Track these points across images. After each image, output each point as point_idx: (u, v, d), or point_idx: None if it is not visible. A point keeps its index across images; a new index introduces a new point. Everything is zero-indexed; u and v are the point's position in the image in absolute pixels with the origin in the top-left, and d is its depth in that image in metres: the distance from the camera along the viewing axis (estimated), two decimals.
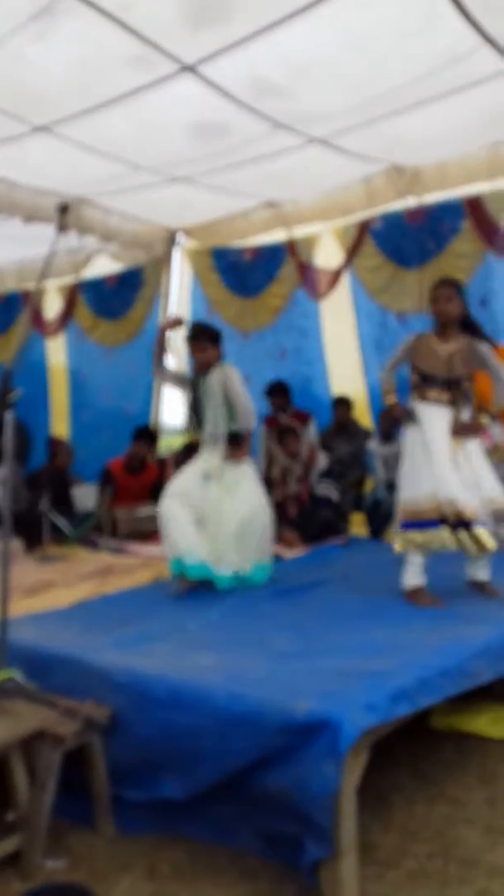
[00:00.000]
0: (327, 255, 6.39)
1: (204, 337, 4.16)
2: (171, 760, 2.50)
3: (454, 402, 3.61)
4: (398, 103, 4.34)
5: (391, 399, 3.75)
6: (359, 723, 2.21)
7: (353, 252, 6.18)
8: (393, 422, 3.79)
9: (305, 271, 6.48)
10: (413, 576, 3.55)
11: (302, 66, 3.97)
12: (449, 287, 3.69)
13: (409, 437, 3.67)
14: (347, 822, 2.17)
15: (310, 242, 6.44)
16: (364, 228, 6.09)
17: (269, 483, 6.35)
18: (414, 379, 3.70)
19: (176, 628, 3.25)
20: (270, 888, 2.24)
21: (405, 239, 5.89)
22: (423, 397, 3.63)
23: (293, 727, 2.24)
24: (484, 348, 3.66)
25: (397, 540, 3.59)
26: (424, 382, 3.65)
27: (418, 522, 3.52)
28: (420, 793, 2.74)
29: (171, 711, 2.49)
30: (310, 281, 6.48)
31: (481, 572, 3.63)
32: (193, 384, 4.22)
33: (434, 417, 3.60)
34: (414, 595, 3.54)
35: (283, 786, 2.25)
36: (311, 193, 5.94)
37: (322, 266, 6.42)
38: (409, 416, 3.66)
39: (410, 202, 5.73)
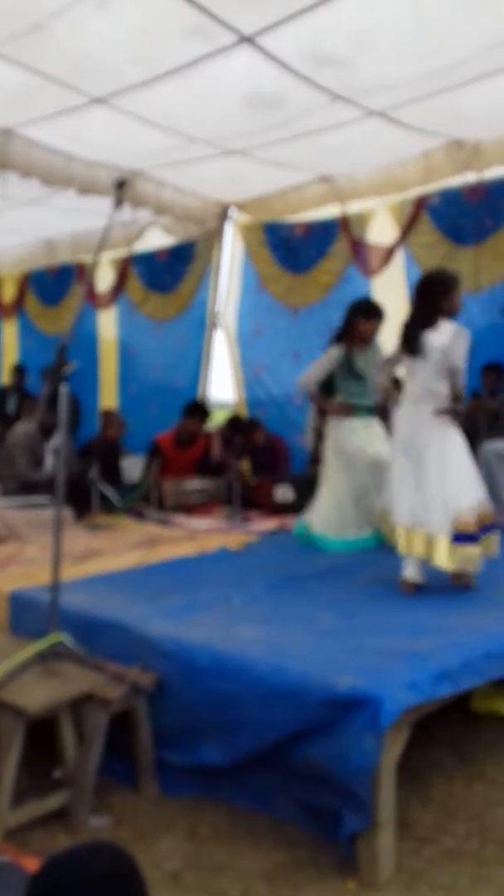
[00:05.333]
0: (381, 232, 6.29)
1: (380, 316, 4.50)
2: (213, 727, 2.55)
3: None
4: (462, 75, 4.22)
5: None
6: (401, 700, 2.23)
7: (408, 228, 6.08)
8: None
9: (358, 247, 6.40)
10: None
11: (364, 37, 3.90)
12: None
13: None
14: (386, 796, 2.20)
15: (364, 218, 6.35)
16: (420, 204, 5.97)
17: (316, 461, 6.36)
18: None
19: (221, 600, 3.30)
20: (308, 856, 2.29)
21: (463, 215, 5.76)
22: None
23: (334, 701, 2.27)
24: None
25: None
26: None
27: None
28: (459, 773, 2.76)
29: (214, 680, 2.55)
30: (362, 257, 6.39)
31: None
32: (350, 358, 4.46)
33: None
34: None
35: (323, 758, 2.29)
36: (367, 168, 5.84)
37: (375, 242, 6.33)
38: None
39: (470, 178, 5.59)
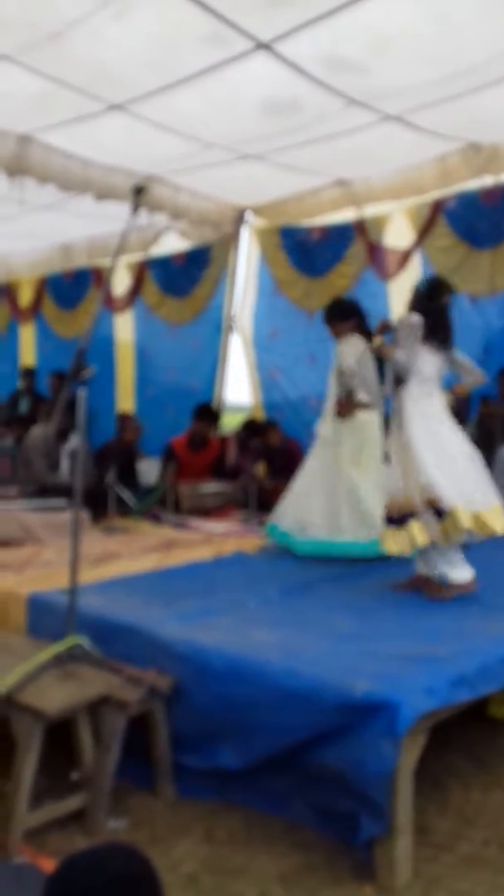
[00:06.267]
0: (397, 235, 6.28)
1: (329, 315, 4.61)
2: (229, 731, 2.56)
3: None
4: (479, 79, 4.21)
5: None
6: (418, 706, 2.23)
7: (424, 232, 6.06)
8: None
9: (374, 251, 6.39)
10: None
11: (381, 42, 3.89)
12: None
13: None
14: (403, 802, 2.20)
15: (380, 222, 6.34)
16: (437, 208, 5.96)
17: None
18: None
19: (236, 604, 3.30)
20: (324, 861, 2.29)
21: (479, 219, 5.74)
22: None
23: (351, 706, 2.27)
24: None
25: None
26: None
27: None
28: (477, 779, 2.74)
29: (229, 684, 2.55)
30: (379, 261, 6.39)
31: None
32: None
33: None
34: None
35: (339, 762, 2.29)
36: (383, 172, 5.84)
37: (392, 246, 6.32)
38: None
39: (487, 181, 5.57)
